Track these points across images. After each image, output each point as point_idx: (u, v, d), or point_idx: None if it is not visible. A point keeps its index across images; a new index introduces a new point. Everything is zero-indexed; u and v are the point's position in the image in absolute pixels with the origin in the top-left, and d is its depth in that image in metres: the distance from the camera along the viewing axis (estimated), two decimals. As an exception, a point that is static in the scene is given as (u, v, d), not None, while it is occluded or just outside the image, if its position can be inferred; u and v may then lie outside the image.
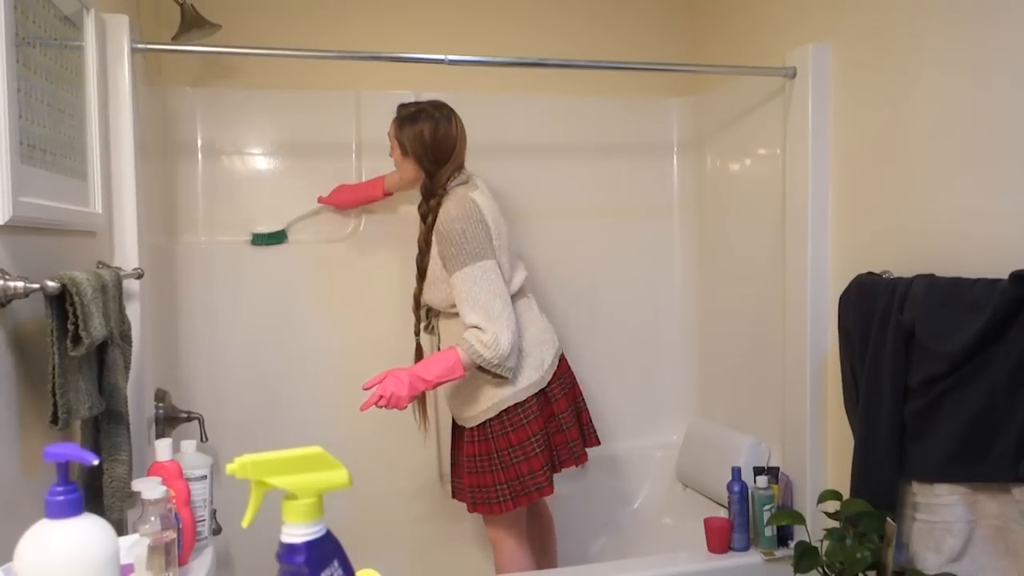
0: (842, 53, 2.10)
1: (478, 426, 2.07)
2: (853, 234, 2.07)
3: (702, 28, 2.87)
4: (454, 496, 2.25)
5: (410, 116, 2.08)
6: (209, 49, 2.19)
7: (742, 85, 2.55)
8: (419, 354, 2.24)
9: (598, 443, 2.24)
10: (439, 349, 2.16)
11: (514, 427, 2.04)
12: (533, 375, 2.06)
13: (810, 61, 2.14)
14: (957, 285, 1.62)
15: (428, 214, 2.06)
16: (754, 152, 2.50)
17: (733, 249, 2.63)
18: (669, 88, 2.94)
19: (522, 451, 2.04)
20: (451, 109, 2.10)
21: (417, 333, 2.22)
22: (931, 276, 1.72)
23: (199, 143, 2.54)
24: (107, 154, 1.73)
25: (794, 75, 2.20)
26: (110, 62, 1.77)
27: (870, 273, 1.91)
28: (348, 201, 2.54)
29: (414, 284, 2.17)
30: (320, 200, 2.56)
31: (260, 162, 2.59)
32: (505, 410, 2.03)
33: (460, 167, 2.10)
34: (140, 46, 1.85)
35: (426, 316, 2.21)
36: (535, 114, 2.79)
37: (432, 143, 2.05)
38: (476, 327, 1.94)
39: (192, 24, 2.28)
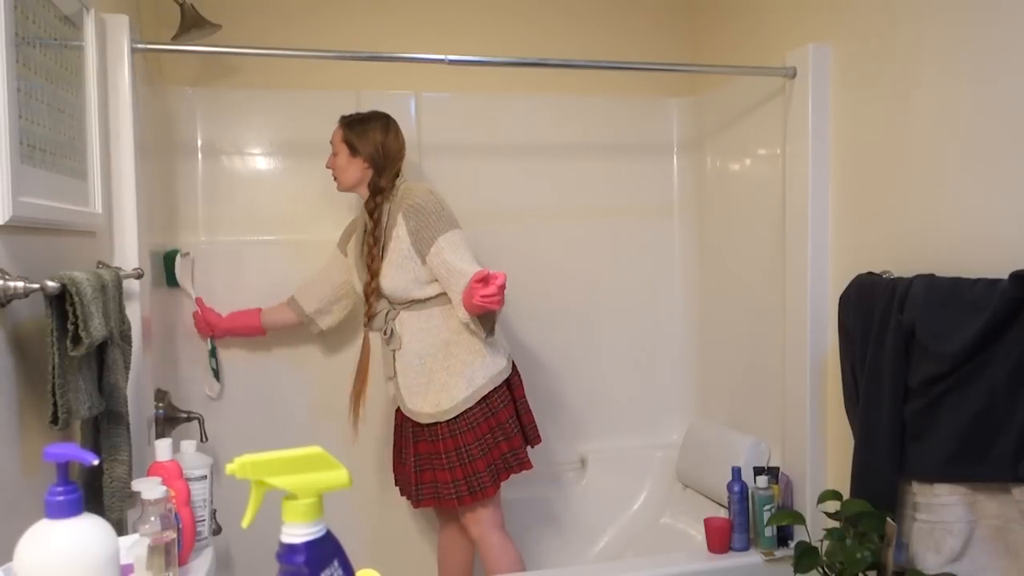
0: (842, 53, 2.10)
1: (457, 418, 2.10)
2: (853, 234, 2.07)
3: (702, 28, 2.87)
4: (420, 504, 2.19)
5: (360, 120, 2.21)
6: (209, 49, 2.19)
7: (742, 85, 2.55)
8: (366, 346, 2.30)
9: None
10: (398, 347, 2.17)
11: (494, 411, 2.13)
12: (502, 362, 2.17)
13: (810, 61, 2.14)
14: (957, 285, 1.62)
15: (375, 209, 2.17)
16: (754, 152, 2.50)
17: (733, 249, 2.63)
18: (669, 88, 2.94)
19: (502, 432, 2.13)
20: (392, 118, 2.24)
21: (366, 325, 2.24)
22: (931, 276, 1.72)
23: (199, 143, 2.54)
24: (107, 154, 1.73)
25: (794, 75, 2.20)
26: (110, 62, 1.77)
27: (870, 273, 1.91)
28: (222, 327, 2.44)
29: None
30: (200, 305, 2.44)
31: (260, 162, 2.59)
32: (484, 396, 2.11)
33: (400, 171, 2.22)
34: (140, 46, 1.85)
35: (384, 320, 2.20)
36: (535, 114, 2.79)
37: (384, 144, 2.18)
38: None
39: (192, 24, 2.28)
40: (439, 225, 2.07)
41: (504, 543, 2.17)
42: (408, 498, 2.23)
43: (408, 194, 2.13)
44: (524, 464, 2.17)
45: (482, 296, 1.84)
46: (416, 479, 2.18)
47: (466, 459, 2.10)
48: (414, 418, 2.17)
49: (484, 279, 1.84)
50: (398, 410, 2.26)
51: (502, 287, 1.84)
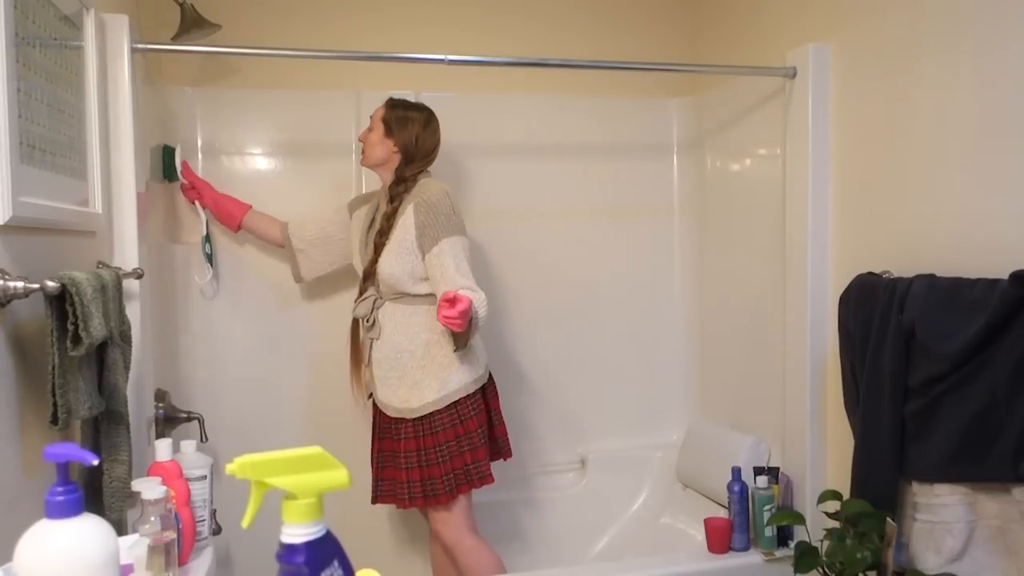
0: (842, 53, 2.10)
1: (423, 418, 2.11)
2: (853, 234, 2.07)
3: (702, 28, 2.87)
4: (377, 500, 2.21)
5: (405, 106, 2.22)
6: (209, 49, 2.19)
7: (742, 85, 2.55)
8: (355, 328, 2.27)
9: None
10: (377, 337, 2.17)
11: (462, 419, 2.12)
12: (478, 370, 2.18)
13: (810, 61, 2.14)
14: (957, 285, 1.62)
15: (396, 197, 2.17)
16: (754, 152, 2.50)
17: (733, 249, 2.63)
18: (669, 88, 2.94)
19: (468, 442, 2.12)
20: (435, 116, 2.25)
21: (359, 311, 2.23)
22: (931, 276, 1.72)
23: (199, 143, 2.54)
24: (107, 154, 1.73)
25: (794, 75, 2.20)
26: (110, 62, 1.77)
27: (870, 273, 1.91)
28: (208, 196, 2.41)
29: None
30: (186, 174, 2.40)
31: (260, 162, 2.59)
32: (455, 402, 2.11)
33: (427, 168, 2.24)
34: (140, 46, 1.86)
35: (371, 307, 2.19)
36: (535, 114, 2.79)
37: (420, 135, 2.19)
38: (468, 288, 2.03)
39: (192, 24, 2.28)
40: (447, 227, 2.08)
41: (478, 545, 2.16)
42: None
43: (424, 189, 2.14)
44: (486, 478, 2.14)
45: (443, 316, 1.87)
46: (377, 475, 2.21)
47: (424, 463, 2.10)
48: (383, 409, 2.19)
49: (451, 300, 1.87)
50: (374, 402, 2.26)
51: (463, 313, 1.86)
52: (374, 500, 2.22)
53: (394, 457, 2.17)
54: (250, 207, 2.43)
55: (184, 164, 2.39)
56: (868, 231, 2.02)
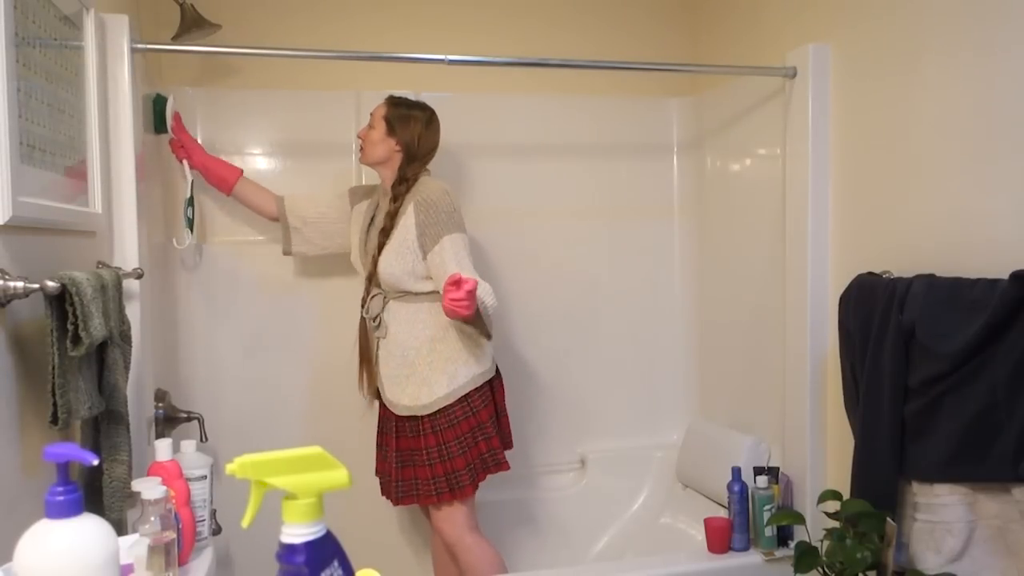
0: (842, 53, 2.10)
1: (437, 414, 2.12)
2: (853, 234, 2.08)
3: (702, 28, 2.87)
4: (399, 502, 2.19)
5: (407, 104, 2.22)
6: (209, 49, 2.19)
7: (742, 85, 2.55)
8: (363, 328, 2.27)
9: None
10: (383, 337, 2.18)
11: (474, 411, 2.14)
12: (486, 363, 2.20)
13: (810, 61, 2.14)
14: (957, 285, 1.62)
15: (398, 196, 2.18)
16: (754, 152, 2.50)
17: (733, 249, 2.63)
18: (669, 88, 2.94)
19: (482, 432, 2.15)
20: (436, 115, 2.26)
21: (362, 307, 2.26)
22: (931, 276, 1.72)
23: (199, 143, 2.53)
24: (107, 154, 1.73)
25: (794, 75, 2.20)
26: (110, 62, 1.77)
27: (870, 273, 1.91)
28: (197, 159, 2.35)
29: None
30: (178, 124, 2.33)
31: (260, 162, 2.59)
32: (466, 395, 2.13)
33: (427, 166, 2.25)
34: (140, 46, 1.86)
35: (379, 306, 2.19)
36: (535, 114, 2.79)
37: (421, 134, 2.20)
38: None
39: (192, 24, 2.28)
40: (448, 224, 2.08)
41: (480, 543, 2.16)
42: (388, 496, 2.23)
43: (424, 188, 2.14)
44: (502, 465, 2.18)
45: (451, 299, 1.85)
46: (397, 475, 2.19)
47: (446, 456, 2.11)
48: (391, 408, 2.18)
49: (456, 283, 1.85)
50: (381, 403, 2.26)
51: (470, 293, 1.84)
52: (396, 502, 2.20)
53: (414, 455, 2.16)
54: (242, 172, 2.39)
55: (176, 117, 2.32)
56: (868, 231, 2.02)
